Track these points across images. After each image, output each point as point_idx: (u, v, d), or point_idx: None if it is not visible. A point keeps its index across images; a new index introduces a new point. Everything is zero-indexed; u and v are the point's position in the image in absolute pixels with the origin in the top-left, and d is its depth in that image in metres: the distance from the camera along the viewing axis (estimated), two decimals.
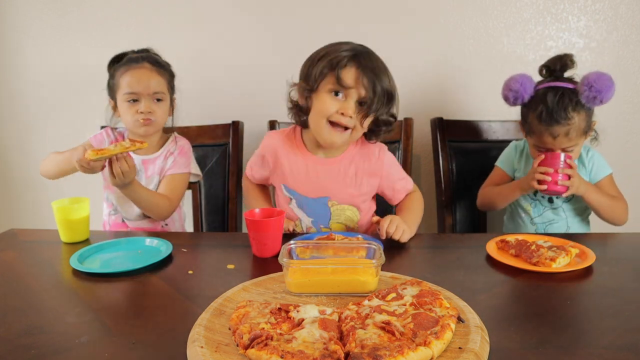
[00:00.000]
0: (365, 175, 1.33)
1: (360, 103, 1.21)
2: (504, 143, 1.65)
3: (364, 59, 1.19)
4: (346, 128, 1.22)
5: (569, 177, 1.33)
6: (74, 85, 2.04)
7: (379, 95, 1.19)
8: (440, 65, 1.84)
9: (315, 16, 1.83)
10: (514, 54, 1.80)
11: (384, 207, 1.47)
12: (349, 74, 1.18)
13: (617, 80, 1.77)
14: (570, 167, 1.33)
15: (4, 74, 2.08)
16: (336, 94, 1.20)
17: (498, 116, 1.75)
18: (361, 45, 1.25)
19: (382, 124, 1.28)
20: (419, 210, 1.34)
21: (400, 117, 1.75)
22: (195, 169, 1.61)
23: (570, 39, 1.77)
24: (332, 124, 1.22)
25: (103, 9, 1.94)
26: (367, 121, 1.24)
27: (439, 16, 1.80)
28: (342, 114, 1.20)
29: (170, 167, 1.54)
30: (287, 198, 1.37)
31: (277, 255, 1.05)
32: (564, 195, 1.35)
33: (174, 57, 1.65)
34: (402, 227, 1.16)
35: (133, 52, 1.54)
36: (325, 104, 1.20)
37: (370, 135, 1.33)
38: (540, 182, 1.34)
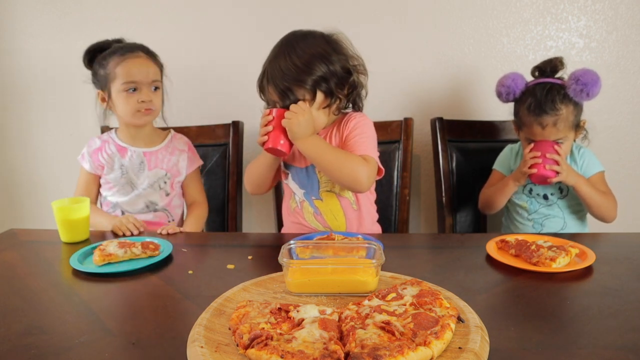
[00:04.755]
0: (341, 140, 1.37)
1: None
2: (504, 143, 1.66)
3: (271, 72, 1.28)
4: None
5: (558, 164, 1.38)
6: (75, 85, 2.03)
7: (286, 93, 1.26)
8: (440, 65, 1.84)
9: (315, 16, 1.83)
10: (514, 54, 1.80)
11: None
12: (271, 93, 1.30)
13: (617, 80, 1.78)
14: (558, 154, 1.39)
15: (4, 74, 2.08)
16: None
17: (498, 116, 1.75)
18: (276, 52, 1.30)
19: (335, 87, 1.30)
20: (337, 155, 1.29)
21: (400, 117, 1.76)
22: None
23: (570, 39, 1.77)
24: None
25: (103, 9, 1.94)
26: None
27: (439, 16, 1.80)
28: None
29: (189, 165, 1.64)
30: (285, 174, 1.44)
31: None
32: (554, 180, 1.39)
33: (174, 57, 1.65)
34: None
35: (115, 41, 1.52)
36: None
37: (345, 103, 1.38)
38: (530, 167, 1.40)
